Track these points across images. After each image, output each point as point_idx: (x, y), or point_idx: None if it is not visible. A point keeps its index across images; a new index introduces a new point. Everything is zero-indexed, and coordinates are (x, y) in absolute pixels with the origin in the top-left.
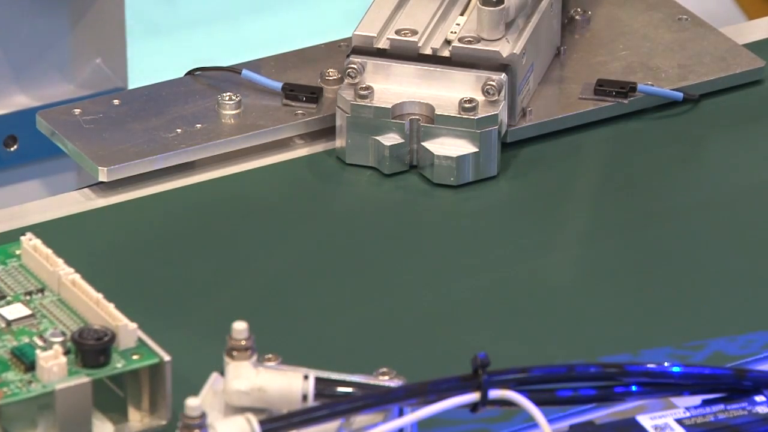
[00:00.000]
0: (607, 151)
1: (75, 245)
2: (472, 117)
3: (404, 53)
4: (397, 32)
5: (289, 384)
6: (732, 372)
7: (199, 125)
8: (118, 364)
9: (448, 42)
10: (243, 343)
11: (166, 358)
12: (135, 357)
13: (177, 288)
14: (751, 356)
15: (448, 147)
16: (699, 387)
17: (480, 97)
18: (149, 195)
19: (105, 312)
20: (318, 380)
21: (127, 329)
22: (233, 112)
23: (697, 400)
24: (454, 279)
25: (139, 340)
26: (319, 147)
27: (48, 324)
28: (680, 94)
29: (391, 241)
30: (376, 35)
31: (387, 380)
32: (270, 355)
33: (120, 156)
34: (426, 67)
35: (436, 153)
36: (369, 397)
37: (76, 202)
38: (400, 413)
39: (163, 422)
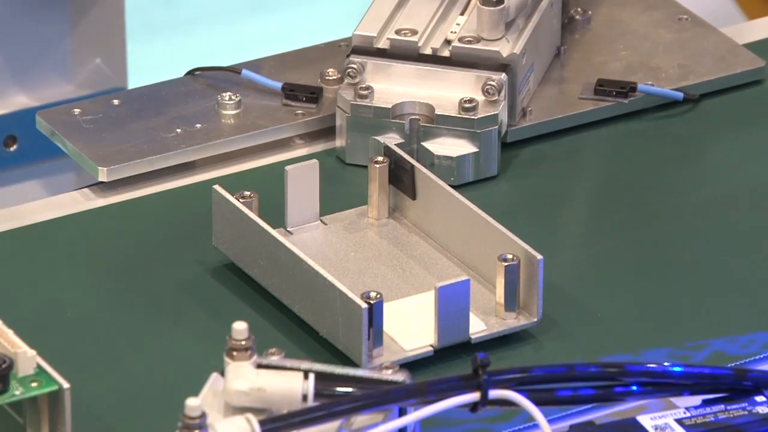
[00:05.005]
0: (607, 151)
1: (75, 245)
2: (472, 117)
3: (404, 53)
4: (397, 32)
5: (289, 384)
6: (732, 372)
7: (199, 125)
8: (17, 392)
9: (448, 42)
10: (243, 343)
11: (65, 385)
12: (34, 384)
13: (177, 288)
14: (752, 356)
15: (448, 147)
16: (699, 387)
17: (480, 97)
18: (149, 195)
19: (4, 339)
20: (318, 380)
21: (26, 356)
22: (233, 112)
23: (697, 400)
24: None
25: (39, 366)
26: (319, 147)
27: None
28: (680, 94)
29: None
30: (376, 35)
31: (390, 374)
32: (273, 349)
33: (120, 156)
34: (426, 67)
35: (436, 153)
36: (369, 397)
37: (76, 202)
38: (401, 413)
39: None
